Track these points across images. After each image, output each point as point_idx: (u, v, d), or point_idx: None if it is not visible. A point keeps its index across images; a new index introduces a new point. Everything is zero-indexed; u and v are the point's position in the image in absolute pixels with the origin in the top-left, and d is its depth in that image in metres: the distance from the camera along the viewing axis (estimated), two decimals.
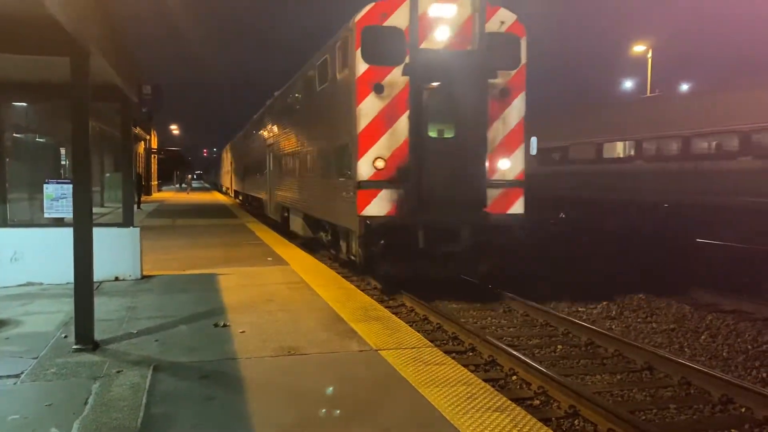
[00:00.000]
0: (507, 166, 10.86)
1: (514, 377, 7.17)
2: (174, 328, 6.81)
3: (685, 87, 33.10)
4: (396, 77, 10.45)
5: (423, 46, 10.46)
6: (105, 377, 5.15)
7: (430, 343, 6.31)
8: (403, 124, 10.44)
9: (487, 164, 10.71)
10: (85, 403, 4.57)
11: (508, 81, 10.89)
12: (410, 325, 7.55)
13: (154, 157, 55.00)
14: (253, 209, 29.32)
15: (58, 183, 9.06)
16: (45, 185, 8.99)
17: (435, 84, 10.56)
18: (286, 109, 18.98)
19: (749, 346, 8.37)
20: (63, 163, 20.24)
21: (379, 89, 10.37)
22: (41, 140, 20.05)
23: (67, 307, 7.22)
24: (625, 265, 14.38)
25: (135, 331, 6.61)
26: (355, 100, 10.46)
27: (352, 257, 11.31)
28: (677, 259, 15.06)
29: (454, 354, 7.76)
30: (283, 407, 4.55)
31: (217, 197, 48.42)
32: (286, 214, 19.41)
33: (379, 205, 10.35)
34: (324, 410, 4.50)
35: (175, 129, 73.49)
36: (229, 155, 48.04)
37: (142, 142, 42.51)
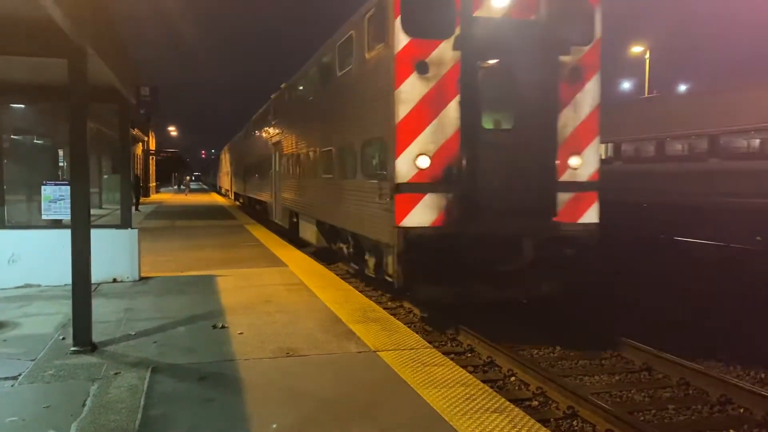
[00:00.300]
0: (579, 164, 8.87)
1: (513, 378, 7.17)
2: (172, 329, 6.80)
3: (683, 87, 33.24)
4: (444, 53, 8.42)
5: (477, 14, 8.51)
6: (103, 379, 5.15)
7: (428, 344, 6.32)
8: (452, 111, 8.41)
9: (556, 162, 8.81)
10: (83, 405, 4.56)
11: (579, 59, 8.89)
12: (409, 326, 7.56)
13: (153, 158, 55.00)
14: (256, 213, 27.60)
15: (56, 184, 9.05)
16: (43, 187, 8.98)
17: (492, 62, 8.70)
18: (297, 102, 16.96)
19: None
20: (61, 164, 20.23)
21: (422, 68, 8.35)
22: (39, 142, 20.05)
23: (65, 309, 7.21)
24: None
25: (133, 333, 6.61)
26: (392, 83, 8.43)
27: (388, 277, 9.09)
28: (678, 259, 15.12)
29: (452, 355, 7.77)
30: (282, 408, 4.54)
31: (215, 199, 48.39)
32: (295, 220, 17.40)
33: (422, 214, 8.34)
34: (323, 411, 4.50)
35: (173, 130, 73.54)
36: (229, 156, 46.83)
37: (140, 144, 42.51)
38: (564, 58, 8.82)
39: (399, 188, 8.35)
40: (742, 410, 6.25)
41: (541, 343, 8.49)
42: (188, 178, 72.55)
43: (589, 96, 8.98)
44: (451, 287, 8.51)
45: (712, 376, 6.84)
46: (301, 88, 16.43)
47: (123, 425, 4.22)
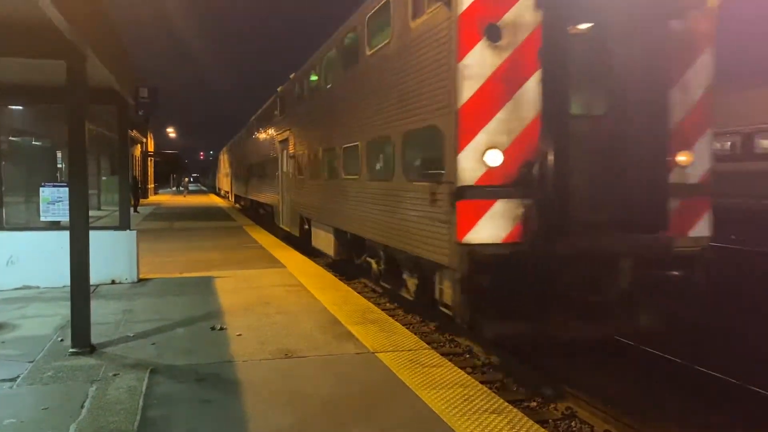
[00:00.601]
0: (688, 161, 6.99)
1: (511, 379, 7.16)
2: (170, 331, 6.80)
3: None
4: (521, 14, 6.49)
5: None
6: (101, 380, 5.15)
7: (427, 346, 6.33)
8: (531, 91, 6.49)
9: (664, 159, 6.96)
10: (82, 407, 4.56)
11: (691, 27, 6.94)
12: (407, 328, 7.57)
13: (151, 160, 55.01)
14: (259, 218, 25.82)
15: (54, 186, 9.07)
16: (41, 188, 9.00)
17: (584, 26, 6.83)
18: (311, 93, 14.80)
19: None
20: (59, 166, 20.22)
21: (493, 34, 6.43)
22: (37, 143, 20.05)
23: (63, 311, 7.21)
24: None
25: (131, 335, 6.61)
26: (454, 53, 6.51)
27: (444, 309, 7.23)
28: None
29: (451, 356, 7.76)
30: (281, 410, 4.55)
31: (214, 200, 48.38)
32: (306, 227, 15.36)
33: (492, 226, 6.44)
34: (321, 412, 4.51)
35: (171, 132, 73.53)
36: (229, 156, 45.98)
37: (139, 145, 42.50)
38: (674, 24, 6.81)
39: (462, 193, 6.43)
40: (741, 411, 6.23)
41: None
42: (187, 179, 72.47)
43: (701, 74, 7.07)
44: (529, 322, 6.58)
45: None
46: (315, 77, 14.26)
47: (122, 426, 4.22)
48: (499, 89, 6.47)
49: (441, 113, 6.90)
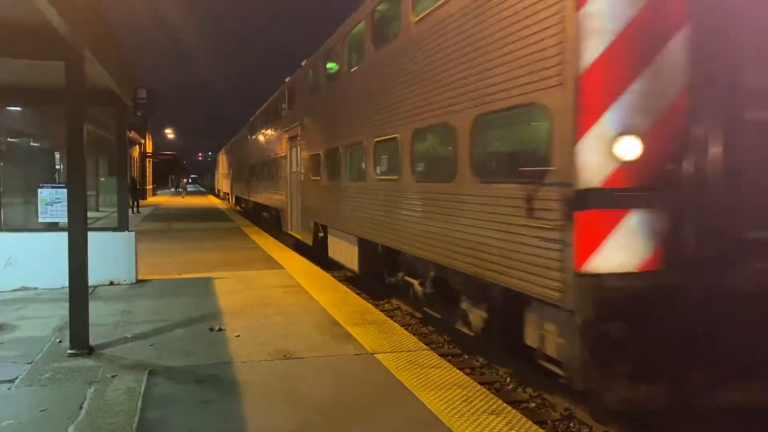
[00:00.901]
0: None
1: (510, 379, 7.16)
2: (169, 332, 6.80)
3: None
4: None
5: None
6: (100, 382, 5.14)
7: (425, 347, 6.33)
8: (677, 55, 4.62)
9: None
10: (80, 408, 4.56)
11: None
12: (406, 329, 7.57)
13: (149, 161, 55.00)
14: (262, 222, 23.97)
15: (52, 187, 9.08)
16: (39, 190, 9.01)
17: None
18: (330, 80, 12.96)
19: None
20: (58, 167, 20.23)
21: None
22: (36, 144, 20.05)
23: (61, 312, 7.19)
24: None
25: (130, 336, 6.60)
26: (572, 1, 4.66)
27: (548, 364, 5.38)
28: None
29: (450, 357, 7.76)
30: (280, 411, 4.55)
31: (212, 201, 48.38)
32: (321, 234, 13.66)
33: (626, 248, 4.57)
34: (320, 414, 4.50)
35: (170, 133, 73.66)
36: (229, 156, 45.10)
37: (137, 146, 42.49)
38: None
39: (584, 199, 4.57)
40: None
41: None
42: (185, 180, 72.50)
43: None
44: (668, 385, 4.64)
45: None
46: (335, 62, 12.46)
47: (120, 428, 4.21)
48: (636, 50, 4.61)
49: (547, 84, 4.98)
